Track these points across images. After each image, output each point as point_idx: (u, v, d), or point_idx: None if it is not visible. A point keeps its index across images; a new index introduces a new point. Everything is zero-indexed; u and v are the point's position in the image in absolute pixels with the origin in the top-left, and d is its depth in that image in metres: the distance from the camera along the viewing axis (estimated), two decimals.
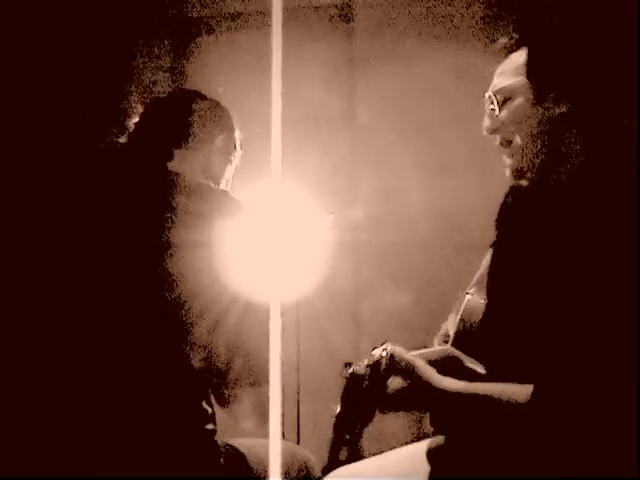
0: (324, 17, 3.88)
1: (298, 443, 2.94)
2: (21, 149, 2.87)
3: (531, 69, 1.45)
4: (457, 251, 1.64)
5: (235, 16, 3.92)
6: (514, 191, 1.53)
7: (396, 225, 3.55)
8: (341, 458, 1.41)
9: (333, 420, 1.37)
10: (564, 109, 1.42)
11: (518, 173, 1.47)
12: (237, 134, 1.86)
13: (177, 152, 1.70)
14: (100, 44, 3.53)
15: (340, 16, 3.86)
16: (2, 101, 3.09)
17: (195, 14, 3.94)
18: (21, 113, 3.17)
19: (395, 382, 1.35)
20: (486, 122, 1.50)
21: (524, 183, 1.48)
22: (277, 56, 1.01)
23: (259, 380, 1.49)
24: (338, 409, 1.37)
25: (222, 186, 1.81)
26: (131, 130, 1.73)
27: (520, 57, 1.48)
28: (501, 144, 1.48)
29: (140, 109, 1.77)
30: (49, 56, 3.36)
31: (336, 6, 3.87)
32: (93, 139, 1.72)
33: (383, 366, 1.35)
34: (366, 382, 1.35)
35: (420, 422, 1.55)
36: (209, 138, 1.76)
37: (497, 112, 1.47)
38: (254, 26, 3.84)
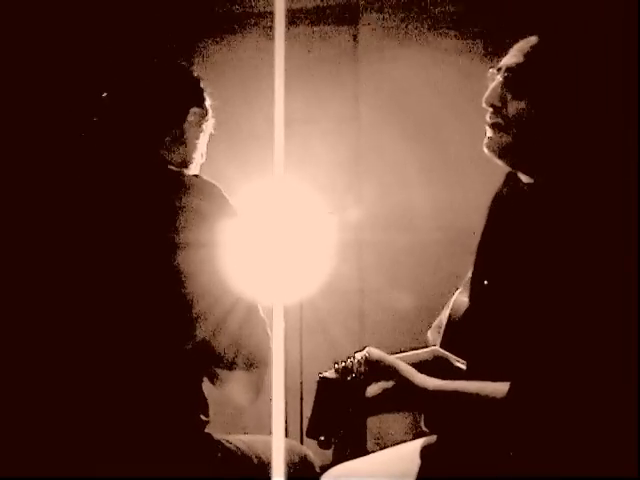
0: (329, 18, 3.88)
1: (302, 443, 2.94)
2: (14, 149, 2.88)
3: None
4: (462, 250, 1.64)
5: (240, 16, 3.92)
6: (505, 189, 1.52)
7: (400, 225, 3.55)
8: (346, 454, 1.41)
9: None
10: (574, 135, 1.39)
11: (497, 151, 1.41)
12: (207, 101, 1.71)
13: (157, 140, 1.60)
14: (108, 41, 3.53)
15: (345, 17, 3.86)
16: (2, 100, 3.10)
17: (198, 14, 3.94)
18: (18, 112, 3.18)
19: (376, 385, 1.33)
20: (491, 96, 1.42)
21: (495, 160, 1.42)
22: (280, 56, 1.01)
23: (256, 365, 1.49)
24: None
25: (196, 160, 1.69)
26: (108, 120, 1.61)
27: (551, 54, 1.38)
28: (493, 123, 1.41)
29: (108, 95, 1.63)
30: (47, 58, 3.36)
31: (341, 7, 3.87)
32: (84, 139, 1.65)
33: (357, 370, 1.34)
34: (338, 386, 1.33)
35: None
36: (182, 116, 1.64)
37: (508, 103, 1.39)
38: (260, 26, 3.84)
